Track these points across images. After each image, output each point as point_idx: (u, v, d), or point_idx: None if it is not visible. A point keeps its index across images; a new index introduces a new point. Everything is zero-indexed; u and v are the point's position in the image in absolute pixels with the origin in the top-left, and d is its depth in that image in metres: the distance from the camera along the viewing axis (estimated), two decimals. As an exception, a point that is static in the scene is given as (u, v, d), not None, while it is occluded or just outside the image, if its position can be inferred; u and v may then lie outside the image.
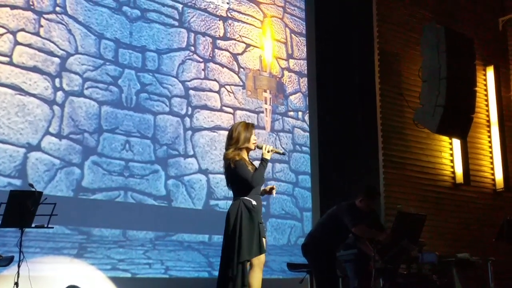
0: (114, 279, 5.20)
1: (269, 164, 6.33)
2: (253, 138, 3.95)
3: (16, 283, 4.17)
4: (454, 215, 7.79)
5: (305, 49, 7.16)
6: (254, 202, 3.79)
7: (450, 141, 7.98)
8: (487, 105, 8.56)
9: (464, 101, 7.03)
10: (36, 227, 4.36)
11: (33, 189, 4.29)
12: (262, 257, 3.82)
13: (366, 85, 7.35)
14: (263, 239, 3.84)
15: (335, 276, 5.04)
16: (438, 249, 6.57)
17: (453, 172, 7.98)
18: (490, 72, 8.60)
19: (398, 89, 7.64)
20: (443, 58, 6.85)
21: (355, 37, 7.36)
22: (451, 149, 8.00)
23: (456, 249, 6.81)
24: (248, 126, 3.97)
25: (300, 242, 5.92)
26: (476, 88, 7.42)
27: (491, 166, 8.42)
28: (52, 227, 4.52)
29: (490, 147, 8.45)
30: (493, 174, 8.43)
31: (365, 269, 5.13)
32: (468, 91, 7.11)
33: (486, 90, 8.58)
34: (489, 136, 8.48)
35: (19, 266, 4.21)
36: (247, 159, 3.96)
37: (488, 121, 8.54)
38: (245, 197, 3.81)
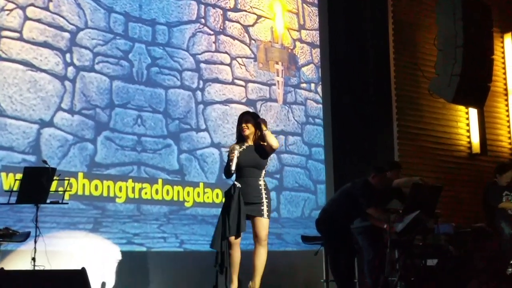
0: (129, 253, 5.24)
1: (282, 137, 6.37)
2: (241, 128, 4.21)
3: (33, 258, 4.22)
4: (471, 185, 7.71)
5: (317, 20, 7.02)
6: (238, 185, 4.07)
7: (466, 110, 7.85)
8: (504, 73, 8.39)
9: (481, 70, 6.89)
10: (51, 203, 4.39)
11: (47, 166, 4.31)
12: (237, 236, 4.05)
13: (380, 55, 7.22)
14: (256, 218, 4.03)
15: (352, 251, 5.01)
16: (454, 220, 6.53)
17: (470, 142, 7.87)
18: (508, 39, 8.41)
19: (413, 59, 7.50)
20: (459, 26, 6.69)
21: (368, 6, 7.20)
22: (467, 118, 7.88)
23: (473, 220, 6.76)
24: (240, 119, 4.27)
25: (314, 215, 5.92)
26: (494, 56, 7.25)
27: (509, 135, 8.30)
28: (67, 203, 4.57)
29: (508, 116, 8.31)
30: (510, 143, 8.30)
31: (379, 241, 5.11)
32: (485, 59, 6.97)
33: (503, 58, 8.40)
34: (507, 105, 8.33)
35: (35, 242, 4.27)
36: (249, 144, 4.19)
37: (506, 89, 8.37)
38: (235, 181, 4.13)
